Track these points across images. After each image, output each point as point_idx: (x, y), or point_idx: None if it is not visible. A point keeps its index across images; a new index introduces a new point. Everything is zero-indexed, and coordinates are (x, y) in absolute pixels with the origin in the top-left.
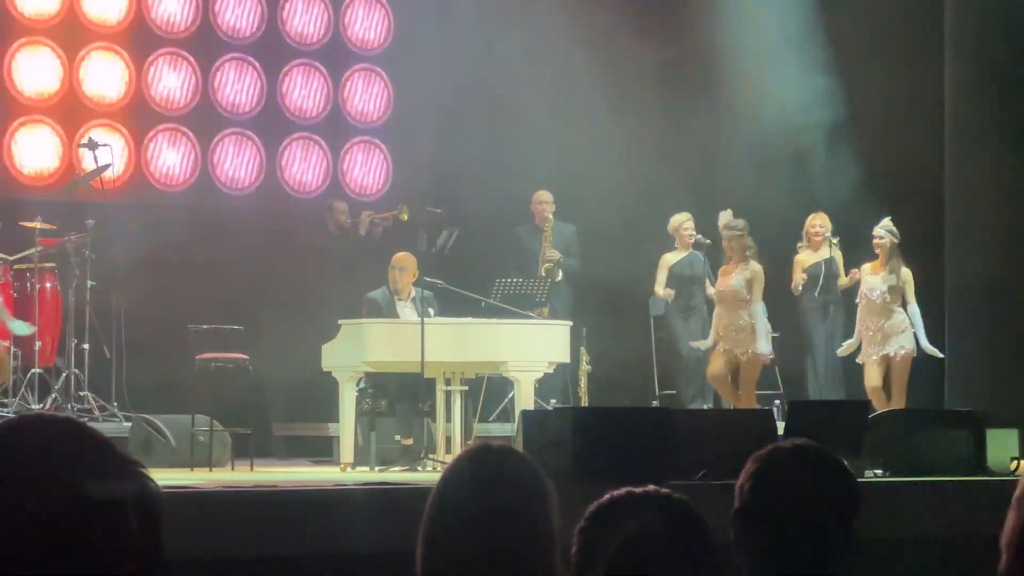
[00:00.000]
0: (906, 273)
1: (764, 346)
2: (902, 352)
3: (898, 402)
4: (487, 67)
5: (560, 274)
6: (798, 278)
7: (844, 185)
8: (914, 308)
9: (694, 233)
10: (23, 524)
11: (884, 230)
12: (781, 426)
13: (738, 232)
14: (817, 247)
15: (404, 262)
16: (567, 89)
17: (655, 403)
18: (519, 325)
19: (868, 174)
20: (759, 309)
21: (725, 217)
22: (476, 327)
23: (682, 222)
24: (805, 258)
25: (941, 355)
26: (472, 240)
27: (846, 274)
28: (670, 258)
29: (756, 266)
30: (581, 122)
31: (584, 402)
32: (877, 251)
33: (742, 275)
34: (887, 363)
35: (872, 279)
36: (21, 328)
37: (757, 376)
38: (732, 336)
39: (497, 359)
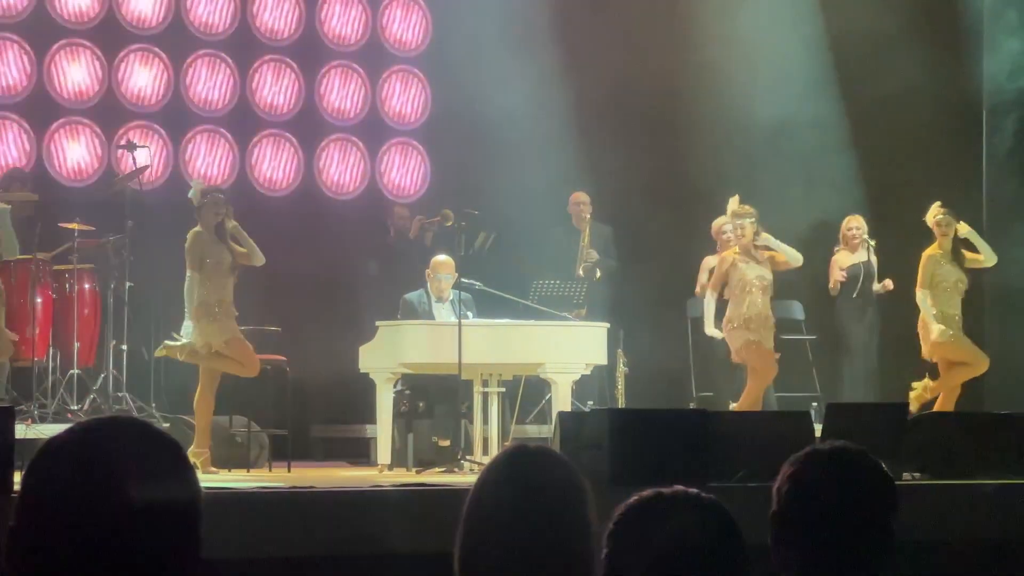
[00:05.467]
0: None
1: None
2: None
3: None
4: (522, 68)
5: (599, 273)
6: (836, 277)
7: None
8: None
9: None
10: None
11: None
12: (818, 428)
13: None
14: (855, 249)
15: (446, 269)
16: (603, 88)
17: (692, 405)
18: (557, 327)
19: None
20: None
21: (735, 203)
22: (514, 329)
23: (722, 224)
24: (843, 259)
25: None
26: (510, 242)
27: (879, 280)
28: (712, 260)
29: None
30: (618, 121)
31: (621, 404)
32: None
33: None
34: None
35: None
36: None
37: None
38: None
39: (534, 361)
